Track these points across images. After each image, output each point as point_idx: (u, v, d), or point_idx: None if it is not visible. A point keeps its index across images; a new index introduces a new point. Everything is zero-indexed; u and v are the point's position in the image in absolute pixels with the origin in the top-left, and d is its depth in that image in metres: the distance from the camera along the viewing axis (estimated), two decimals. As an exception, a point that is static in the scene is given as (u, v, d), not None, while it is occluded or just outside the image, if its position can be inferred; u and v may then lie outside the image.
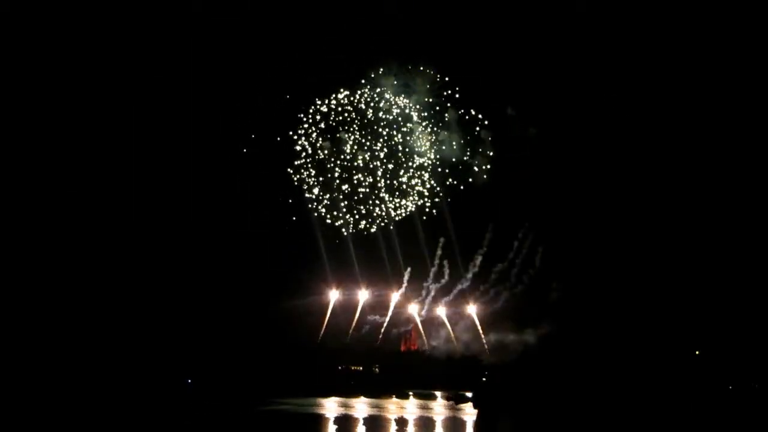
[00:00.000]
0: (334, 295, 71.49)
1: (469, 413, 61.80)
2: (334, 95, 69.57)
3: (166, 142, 67.88)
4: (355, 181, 69.52)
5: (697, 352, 67.31)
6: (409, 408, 65.51)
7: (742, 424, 57.92)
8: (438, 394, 70.21)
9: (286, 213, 69.94)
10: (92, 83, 66.30)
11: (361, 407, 64.28)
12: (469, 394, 66.09)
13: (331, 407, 64.00)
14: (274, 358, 68.39)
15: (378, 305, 71.74)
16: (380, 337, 71.74)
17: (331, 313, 71.32)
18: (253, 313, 68.95)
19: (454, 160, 69.31)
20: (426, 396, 69.96)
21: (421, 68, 69.04)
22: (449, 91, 69.36)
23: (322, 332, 71.18)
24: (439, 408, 65.44)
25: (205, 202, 68.82)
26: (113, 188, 67.74)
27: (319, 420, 58.57)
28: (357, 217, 69.48)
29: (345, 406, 64.83)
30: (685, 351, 67.02)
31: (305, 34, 68.37)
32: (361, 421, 57.49)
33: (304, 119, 69.75)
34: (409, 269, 70.65)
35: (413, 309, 72.02)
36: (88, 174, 67.12)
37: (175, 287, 67.72)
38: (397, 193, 69.30)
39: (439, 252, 69.74)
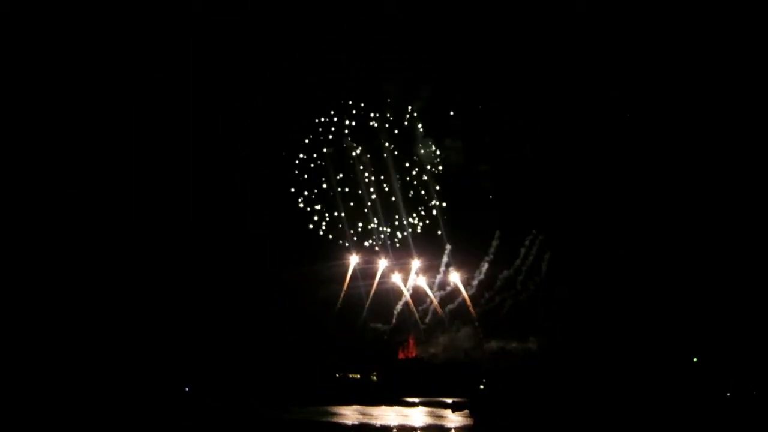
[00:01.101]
0: (353, 261, 70.49)
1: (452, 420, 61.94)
2: (334, 110, 69.03)
3: (166, 143, 67.48)
4: (358, 198, 69.10)
5: (695, 359, 67.33)
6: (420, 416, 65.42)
7: (740, 431, 58.16)
8: (417, 400, 69.78)
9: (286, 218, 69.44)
10: (92, 83, 65.78)
11: (388, 416, 64.03)
12: (450, 401, 65.93)
13: (355, 416, 63.78)
14: (278, 364, 67.78)
15: (383, 314, 71.27)
16: (384, 340, 71.36)
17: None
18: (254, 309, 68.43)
19: (456, 168, 69.02)
20: (433, 404, 69.57)
21: (423, 71, 68.58)
22: (451, 95, 68.95)
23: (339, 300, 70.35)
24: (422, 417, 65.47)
25: (204, 203, 68.40)
26: (112, 188, 67.18)
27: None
28: (360, 233, 69.23)
29: (366, 414, 64.44)
30: (682, 358, 66.96)
31: (305, 34, 68.04)
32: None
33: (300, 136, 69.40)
34: (418, 276, 70.20)
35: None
36: (87, 174, 66.49)
37: (173, 289, 66.89)
38: (402, 211, 68.99)
39: (445, 260, 69.35)
